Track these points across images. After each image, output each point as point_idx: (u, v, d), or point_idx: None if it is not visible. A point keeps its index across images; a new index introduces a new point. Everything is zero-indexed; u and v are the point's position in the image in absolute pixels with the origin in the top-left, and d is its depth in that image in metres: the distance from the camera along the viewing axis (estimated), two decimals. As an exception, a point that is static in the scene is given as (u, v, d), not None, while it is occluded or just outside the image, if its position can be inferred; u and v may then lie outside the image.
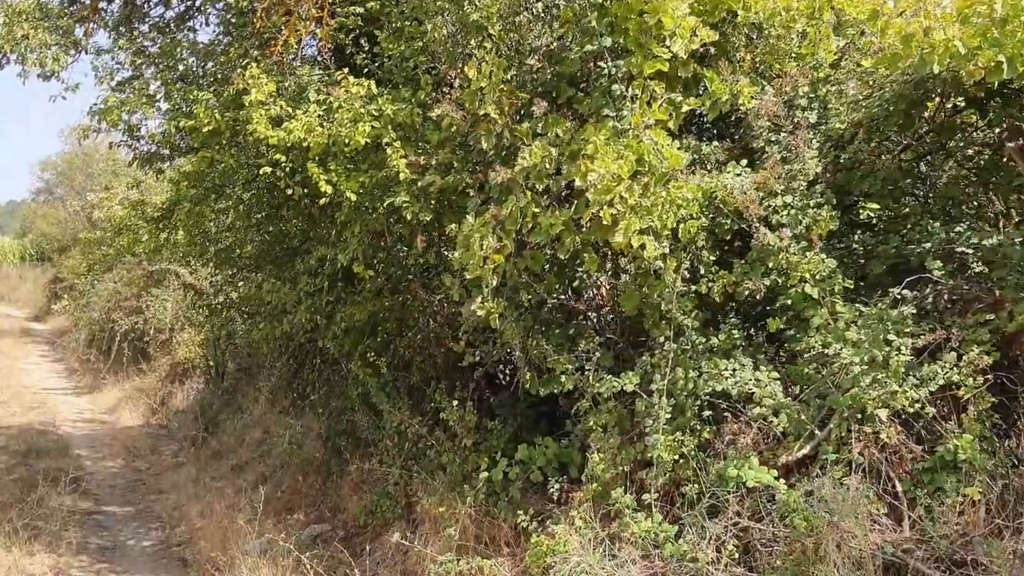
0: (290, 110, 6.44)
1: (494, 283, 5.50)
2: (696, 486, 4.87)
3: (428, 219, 6.17)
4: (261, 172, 6.71)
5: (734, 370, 4.83)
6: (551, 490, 5.50)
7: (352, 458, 9.11)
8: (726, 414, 4.96)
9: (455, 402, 6.82)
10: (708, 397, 4.97)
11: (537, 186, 5.45)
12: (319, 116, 6.35)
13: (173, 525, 9.43)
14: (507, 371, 8.42)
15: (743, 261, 5.18)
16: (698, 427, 5.01)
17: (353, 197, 6.30)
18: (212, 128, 6.82)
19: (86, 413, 17.00)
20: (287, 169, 6.71)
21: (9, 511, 9.42)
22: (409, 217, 6.10)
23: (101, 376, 19.33)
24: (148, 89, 7.64)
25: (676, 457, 4.95)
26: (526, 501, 5.95)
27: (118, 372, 18.82)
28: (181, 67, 7.67)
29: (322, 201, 6.41)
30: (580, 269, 6.18)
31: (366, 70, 6.79)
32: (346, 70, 6.59)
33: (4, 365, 22.36)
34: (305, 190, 6.71)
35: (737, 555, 4.57)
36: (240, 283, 9.53)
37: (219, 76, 7.49)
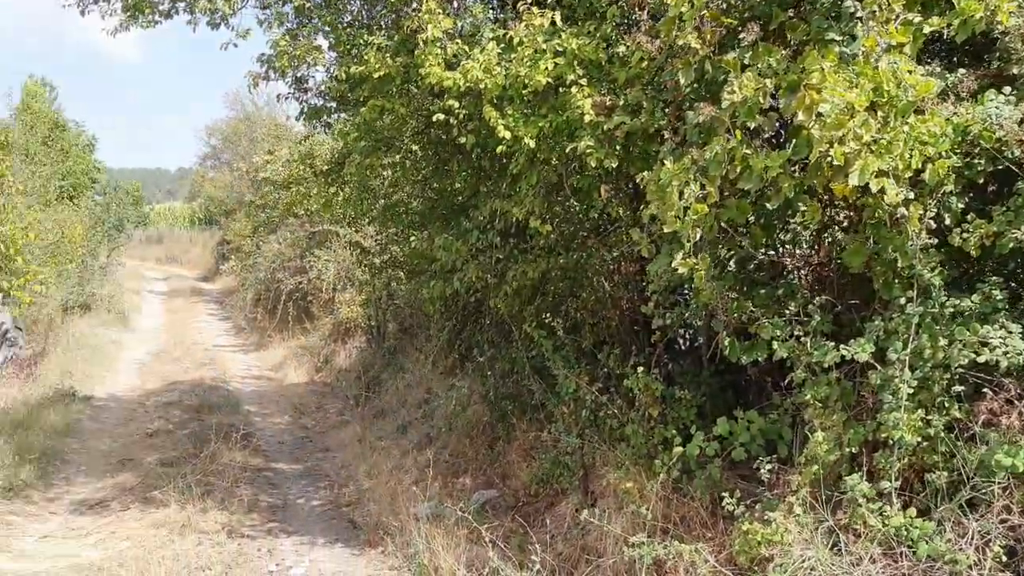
0: (466, 48, 5.95)
1: (696, 236, 4.86)
2: (946, 473, 4.12)
3: (613, 166, 5.57)
4: (434, 119, 6.28)
5: (1003, 338, 4.00)
6: (760, 471, 4.84)
7: (519, 423, 8.73)
8: (984, 390, 4.17)
9: (639, 368, 6.24)
10: (961, 370, 4.18)
11: (749, 124, 4.75)
12: (497, 54, 5.84)
13: (341, 484, 9.34)
14: (688, 335, 7.79)
15: (1005, 208, 4.32)
16: (947, 404, 4.24)
17: (531, 143, 5.78)
18: (383, 74, 6.43)
19: (253, 370, 17.49)
20: (460, 116, 6.26)
21: (183, 466, 9.59)
22: (594, 164, 5.52)
23: (267, 334, 19.89)
24: (315, 40, 7.37)
25: (920, 439, 4.21)
26: (726, 481, 5.33)
27: (283, 331, 19.31)
28: (349, 15, 7.35)
29: (499, 149, 5.91)
30: (793, 220, 5.45)
31: (547, 1, 6.22)
32: (529, 1, 6.02)
33: (177, 323, 23.48)
34: (477, 139, 6.23)
35: (1004, 557, 3.82)
36: (407, 240, 9.24)
37: (388, 22, 7.11)
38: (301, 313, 18.83)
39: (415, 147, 7.64)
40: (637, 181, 5.44)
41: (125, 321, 22.11)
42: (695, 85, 5.26)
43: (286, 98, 7.91)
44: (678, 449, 5.35)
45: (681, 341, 7.70)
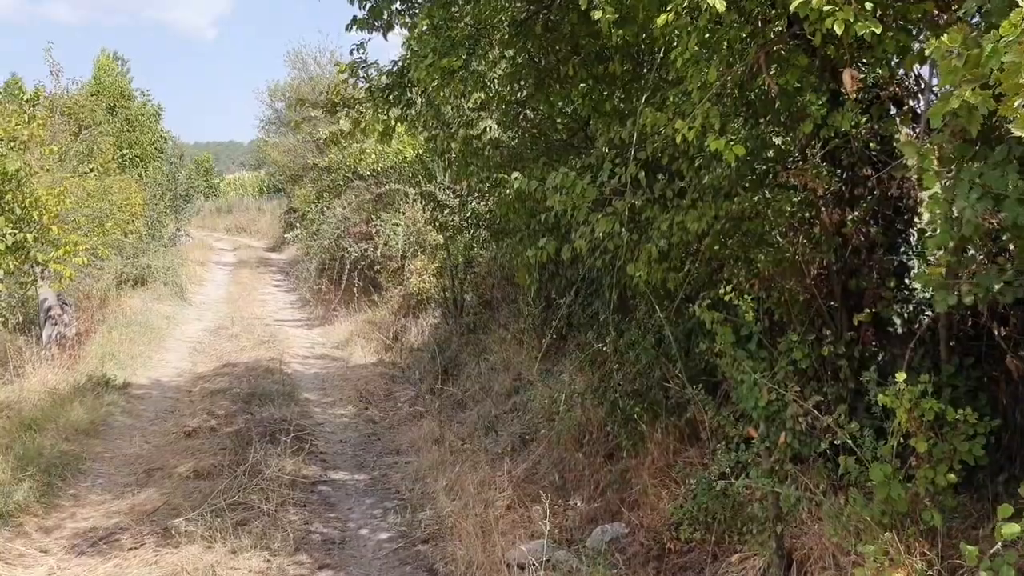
0: None
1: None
2: None
3: (874, 31, 3.24)
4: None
5: None
6: None
7: (651, 431, 6.51)
8: None
9: (877, 371, 3.95)
10: None
11: None
12: None
13: (415, 506, 7.25)
14: (906, 312, 5.44)
15: None
16: None
17: (721, 7, 3.48)
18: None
19: (317, 348, 15.61)
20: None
21: (220, 479, 7.63)
22: (837, 28, 3.20)
23: (332, 307, 18.02)
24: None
25: None
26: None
27: (349, 303, 17.41)
28: None
29: (662, 21, 3.64)
30: None
31: None
32: None
33: (240, 295, 21.81)
34: (620, 7, 3.97)
35: None
36: (494, 190, 7.02)
37: None
38: (368, 284, 16.89)
39: (510, 52, 5.38)
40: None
41: (182, 294, 20.46)
42: None
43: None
44: (1010, 529, 3.02)
45: (898, 322, 5.35)
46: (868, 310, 5.09)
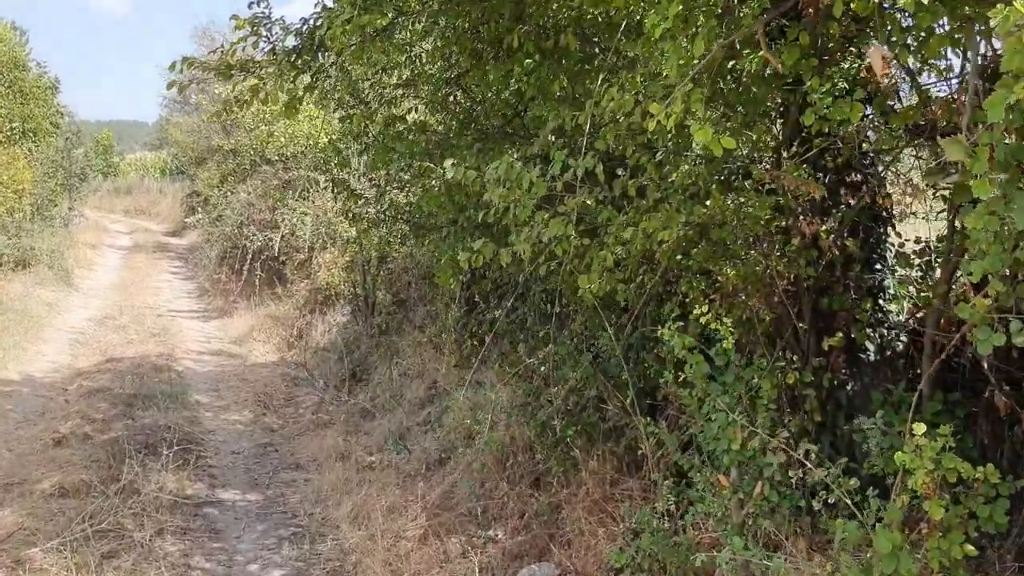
0: None
1: None
2: None
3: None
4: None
5: None
6: None
7: (586, 457, 5.83)
8: None
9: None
10: None
11: None
12: None
13: (315, 535, 6.40)
14: (880, 336, 4.88)
15: None
16: None
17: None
18: None
19: (213, 342, 14.46)
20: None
21: (85, 500, 6.62)
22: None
23: (232, 299, 16.84)
24: None
25: None
26: None
27: (251, 296, 16.25)
28: None
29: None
30: None
31: None
32: None
33: (133, 282, 20.38)
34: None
35: None
36: (418, 179, 6.19)
37: None
38: (272, 276, 15.82)
39: (443, 20, 4.59)
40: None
41: (68, 279, 18.89)
42: None
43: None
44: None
45: (870, 345, 4.78)
46: (839, 333, 4.52)
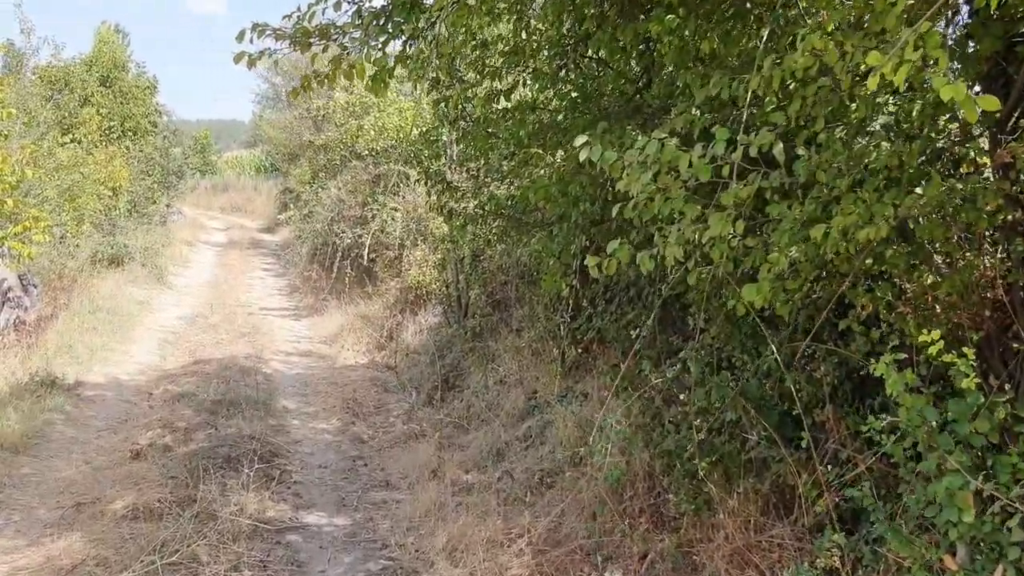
0: None
1: None
2: None
3: None
4: None
5: None
6: None
7: (726, 495, 4.93)
8: None
9: None
10: None
11: None
12: None
13: (408, 571, 5.67)
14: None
15: None
16: None
17: None
18: None
19: (302, 342, 14.00)
20: None
21: (159, 525, 6.04)
22: None
23: (322, 297, 16.41)
24: None
25: None
26: None
27: (341, 294, 15.79)
28: None
29: None
30: None
31: None
32: None
33: (226, 279, 20.22)
34: None
35: None
36: (524, 167, 5.37)
37: None
38: (363, 274, 15.29)
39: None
40: None
41: (162, 277, 18.80)
42: None
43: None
44: None
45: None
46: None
